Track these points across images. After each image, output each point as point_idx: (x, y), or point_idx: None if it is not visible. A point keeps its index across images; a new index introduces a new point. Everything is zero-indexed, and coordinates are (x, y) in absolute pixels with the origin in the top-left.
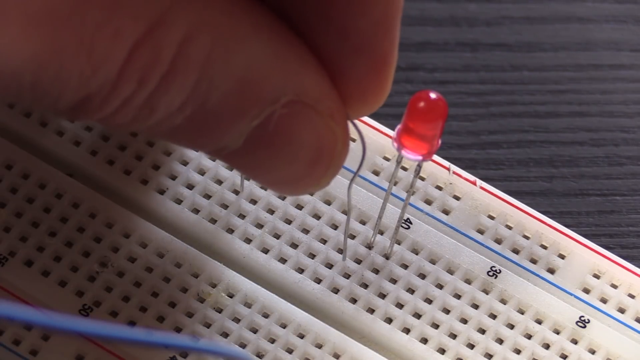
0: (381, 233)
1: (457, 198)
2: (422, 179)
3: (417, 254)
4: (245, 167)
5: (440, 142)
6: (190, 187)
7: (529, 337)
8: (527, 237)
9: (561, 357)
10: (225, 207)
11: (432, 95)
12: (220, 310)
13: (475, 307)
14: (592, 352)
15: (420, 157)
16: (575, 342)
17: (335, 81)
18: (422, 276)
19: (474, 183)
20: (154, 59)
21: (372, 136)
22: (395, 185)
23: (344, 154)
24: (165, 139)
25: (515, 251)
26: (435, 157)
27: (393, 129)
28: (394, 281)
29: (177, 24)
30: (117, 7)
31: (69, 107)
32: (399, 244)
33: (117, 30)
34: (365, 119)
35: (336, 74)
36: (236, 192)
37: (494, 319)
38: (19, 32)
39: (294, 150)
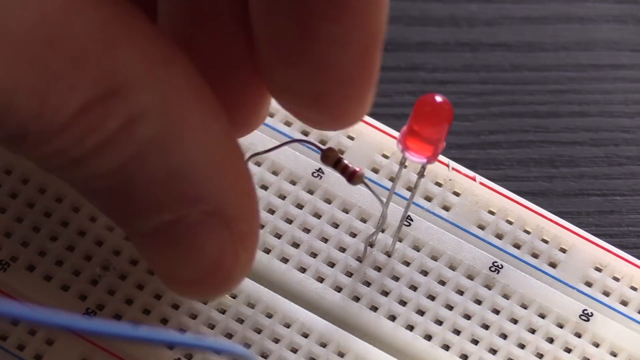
0: (382, 231)
1: (457, 194)
2: (423, 176)
3: (418, 251)
4: (146, 254)
5: (444, 144)
6: None
7: (533, 331)
8: (527, 232)
9: (565, 350)
10: None
11: (438, 98)
12: (223, 311)
13: (479, 302)
14: (596, 345)
15: (424, 160)
16: (579, 335)
17: (311, 105)
18: (425, 273)
19: (474, 179)
20: (98, 124)
21: (372, 134)
22: (392, 181)
23: (240, 278)
24: (83, 195)
25: (517, 246)
26: None
27: (393, 129)
28: (396, 279)
29: (134, 100)
30: (83, 65)
31: (5, 135)
32: (400, 242)
33: (75, 86)
34: (366, 117)
35: (312, 100)
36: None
37: (497, 314)
38: None
39: (194, 257)
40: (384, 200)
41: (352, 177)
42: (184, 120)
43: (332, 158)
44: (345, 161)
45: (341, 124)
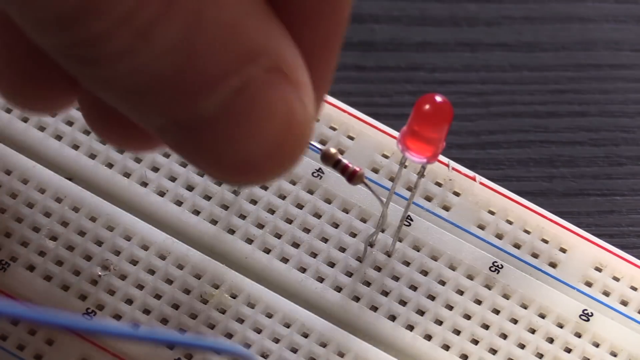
0: (382, 231)
1: (457, 194)
2: (423, 176)
3: (418, 251)
4: (210, 143)
5: (445, 144)
6: (190, 188)
7: (533, 331)
8: (528, 232)
9: (565, 350)
10: (225, 207)
11: (438, 98)
12: (223, 311)
13: (479, 302)
14: (596, 345)
15: (424, 160)
16: (579, 335)
17: None
18: (425, 273)
19: (474, 179)
20: None
21: (371, 134)
22: (392, 181)
23: (312, 132)
24: (142, 100)
25: (517, 246)
26: None
27: (393, 129)
28: (396, 278)
29: None
30: None
31: (62, 14)
32: (400, 242)
33: None
34: (365, 117)
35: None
36: (236, 193)
37: (497, 314)
38: None
39: (267, 123)
40: (384, 200)
41: (352, 177)
42: None
43: (331, 158)
44: (345, 161)
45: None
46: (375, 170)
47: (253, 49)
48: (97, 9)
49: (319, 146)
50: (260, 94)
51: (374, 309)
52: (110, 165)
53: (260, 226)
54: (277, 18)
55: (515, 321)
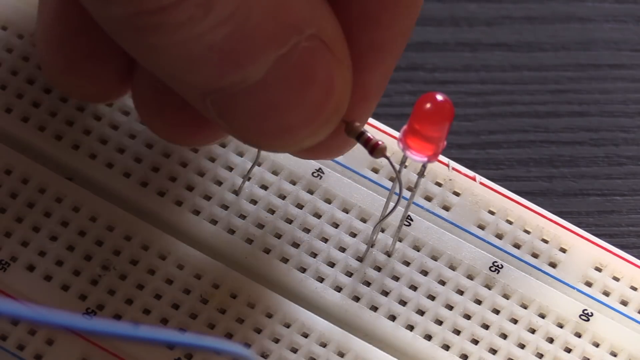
0: (382, 231)
1: (457, 194)
2: (423, 175)
3: (418, 251)
4: (253, 109)
5: (445, 143)
6: (190, 188)
7: (533, 331)
8: (527, 232)
9: (565, 350)
10: (225, 208)
11: (439, 97)
12: (223, 311)
13: (478, 302)
14: (596, 345)
15: (425, 159)
16: (579, 335)
17: None
18: (425, 273)
19: (474, 179)
20: None
21: (371, 134)
22: (392, 181)
23: (347, 102)
24: (193, 67)
25: (517, 246)
26: None
27: (393, 129)
28: (396, 278)
29: None
30: None
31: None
32: (400, 241)
33: None
34: None
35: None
36: (236, 193)
37: (497, 314)
38: None
39: (308, 88)
40: (397, 167)
41: (374, 149)
42: None
43: (355, 130)
44: (369, 134)
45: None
46: (375, 171)
47: (299, 20)
48: None
49: (345, 119)
50: (302, 62)
51: (374, 308)
52: (110, 166)
53: (261, 226)
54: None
55: (515, 321)
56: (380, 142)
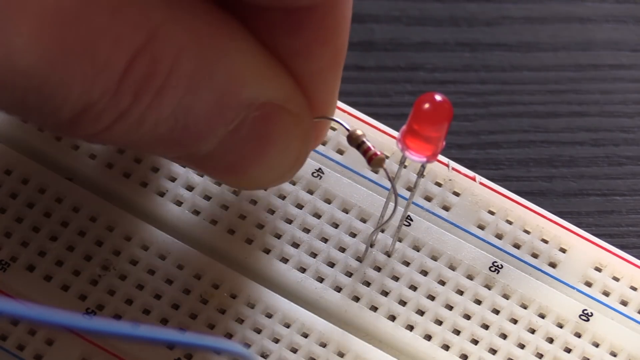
0: (382, 231)
1: (456, 194)
2: (423, 176)
3: (418, 251)
4: (213, 168)
5: (444, 143)
6: (190, 188)
7: (533, 331)
8: (527, 232)
9: (565, 350)
10: (225, 208)
11: (438, 97)
12: (223, 311)
13: (478, 302)
14: (596, 345)
15: (424, 159)
16: (578, 335)
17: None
18: (424, 273)
19: (473, 179)
20: (152, 71)
21: (372, 134)
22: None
23: (311, 149)
24: (140, 150)
25: (517, 246)
26: None
27: (393, 129)
28: (396, 278)
29: (172, 37)
30: (118, 14)
31: (68, 118)
32: (400, 242)
33: (118, 37)
34: (365, 117)
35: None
36: (236, 193)
37: (497, 314)
38: (31, 32)
39: (265, 151)
40: (393, 177)
41: (372, 160)
42: (214, 40)
43: (356, 140)
44: (369, 144)
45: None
46: (375, 171)
47: (246, 98)
48: (96, 113)
49: (347, 126)
50: (255, 130)
51: (374, 309)
52: (110, 166)
53: (260, 226)
54: (262, 46)
55: (515, 321)
56: (379, 153)
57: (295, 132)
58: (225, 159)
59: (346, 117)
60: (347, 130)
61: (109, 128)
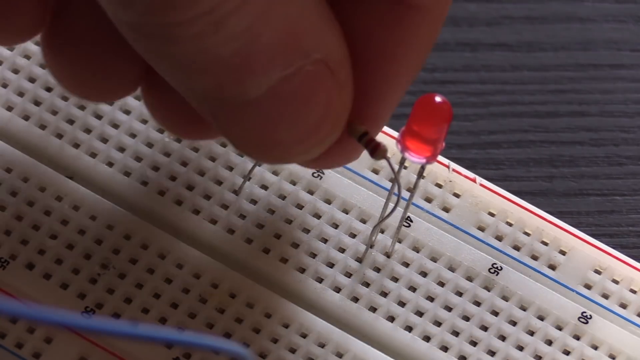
0: (382, 232)
1: (457, 195)
2: (422, 177)
3: (418, 252)
4: (248, 122)
5: (444, 144)
6: (190, 188)
7: (532, 333)
8: (527, 234)
9: (564, 353)
10: (225, 207)
11: (437, 98)
12: (222, 311)
13: (477, 304)
14: (595, 347)
15: (424, 160)
16: (577, 338)
17: None
18: (424, 274)
19: (474, 180)
20: None
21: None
22: (392, 182)
23: (343, 126)
24: (197, 76)
25: (516, 248)
26: None
27: (393, 129)
28: (395, 279)
29: None
30: None
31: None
32: (399, 242)
33: None
34: None
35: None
36: (236, 193)
37: (496, 316)
38: None
39: (305, 110)
40: (397, 168)
41: (375, 150)
42: None
43: (357, 131)
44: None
45: None
46: (376, 172)
47: (307, 45)
48: (188, 1)
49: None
50: (304, 84)
51: (373, 309)
52: (110, 164)
53: (260, 226)
54: (334, 19)
55: (514, 323)
56: (381, 144)
57: (338, 102)
58: (264, 113)
59: None
60: (348, 122)
61: (184, 23)
